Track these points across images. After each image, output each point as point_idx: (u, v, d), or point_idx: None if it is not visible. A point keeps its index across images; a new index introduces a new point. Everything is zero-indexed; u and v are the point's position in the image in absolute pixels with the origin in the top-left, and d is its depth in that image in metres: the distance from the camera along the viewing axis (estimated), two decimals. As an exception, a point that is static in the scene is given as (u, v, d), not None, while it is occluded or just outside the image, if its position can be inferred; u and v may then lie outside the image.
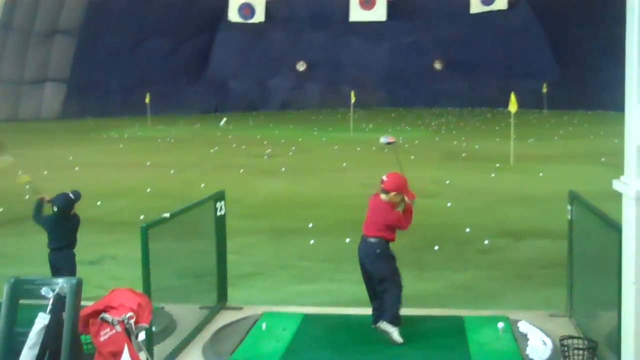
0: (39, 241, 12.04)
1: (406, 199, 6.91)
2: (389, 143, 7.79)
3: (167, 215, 6.37)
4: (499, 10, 44.45)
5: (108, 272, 10.50)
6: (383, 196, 6.90)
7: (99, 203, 15.60)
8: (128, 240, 12.49)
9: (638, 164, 4.74)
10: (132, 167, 21.81)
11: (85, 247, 11.73)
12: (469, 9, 45.29)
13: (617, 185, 4.99)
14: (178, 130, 34.25)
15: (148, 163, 22.38)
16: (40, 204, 7.81)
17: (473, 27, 44.97)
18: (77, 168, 21.42)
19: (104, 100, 42.53)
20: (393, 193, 6.86)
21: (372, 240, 6.86)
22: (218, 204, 7.58)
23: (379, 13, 46.34)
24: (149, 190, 17.45)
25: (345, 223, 13.33)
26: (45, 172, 20.50)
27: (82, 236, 12.52)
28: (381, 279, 6.81)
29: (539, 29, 43.82)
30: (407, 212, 6.95)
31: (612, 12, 38.45)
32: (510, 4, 44.14)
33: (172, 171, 20.58)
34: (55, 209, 7.58)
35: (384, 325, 6.67)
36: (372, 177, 18.85)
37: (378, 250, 6.85)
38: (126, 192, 17.35)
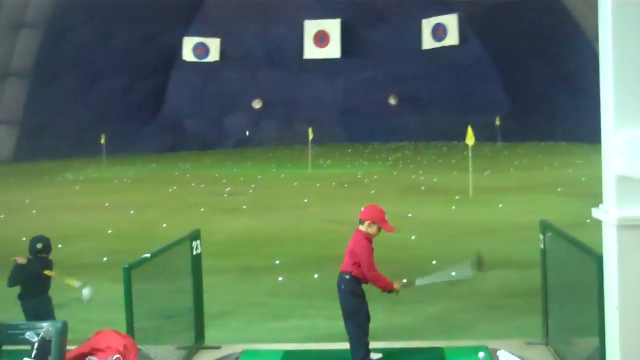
0: (1, 286, 11.88)
1: (383, 230, 6.96)
2: None
3: (147, 255, 6.32)
4: (450, 46, 45.27)
5: (76, 316, 10.28)
6: (360, 227, 6.96)
7: (60, 246, 15.28)
8: (93, 283, 12.29)
9: (617, 192, 4.86)
10: (90, 208, 21.52)
11: (50, 290, 11.59)
12: (421, 45, 46.05)
13: (596, 213, 5.12)
14: (135, 171, 33.98)
15: (107, 204, 22.13)
16: (16, 267, 7.73)
17: (426, 62, 45.74)
18: (34, 211, 21.07)
19: (57, 142, 41.94)
20: (367, 222, 6.91)
21: (342, 274, 6.91)
22: (194, 243, 7.54)
23: (333, 50, 46.85)
24: (110, 231, 17.25)
25: (311, 259, 13.36)
26: (2, 216, 20.18)
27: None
28: (344, 317, 6.87)
29: (489, 64, 44.77)
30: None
31: (562, 45, 39.81)
32: (461, 39, 44.98)
33: (131, 211, 20.38)
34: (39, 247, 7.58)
35: None
36: (333, 213, 19.04)
37: (343, 286, 6.89)
38: (87, 234, 17.10)
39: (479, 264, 7.00)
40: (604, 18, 5.03)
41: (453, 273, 7.26)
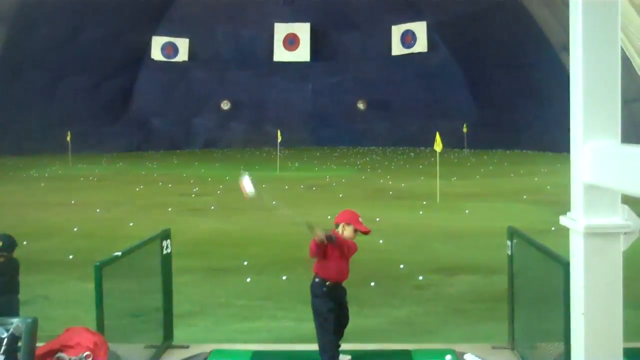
0: None
1: (359, 232, 7.04)
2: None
3: (118, 253, 6.31)
4: (419, 53, 45.62)
5: (41, 313, 10.17)
6: (335, 230, 7.02)
7: (24, 243, 15.13)
8: (59, 280, 12.22)
9: (584, 200, 4.96)
10: (56, 206, 21.31)
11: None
12: (390, 51, 46.33)
13: (564, 220, 5.21)
14: (101, 169, 33.70)
15: (72, 202, 21.94)
16: None
17: (394, 68, 46.04)
18: (-2, 207, 20.82)
19: (22, 139, 41.44)
20: (342, 224, 6.99)
21: (315, 278, 7.02)
22: (164, 242, 7.54)
23: (302, 53, 46.93)
24: (75, 229, 17.10)
25: (279, 261, 13.39)
26: (-35, 212, 19.90)
27: (11, 277, 12.23)
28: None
29: (457, 71, 45.21)
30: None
31: (529, 55, 40.32)
32: (430, 47, 45.35)
33: (98, 210, 20.22)
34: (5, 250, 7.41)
35: None
36: (301, 215, 18.94)
37: (311, 285, 6.98)
38: (52, 232, 16.93)
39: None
40: (574, 28, 5.13)
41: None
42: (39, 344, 5.01)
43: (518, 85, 41.04)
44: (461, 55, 44.44)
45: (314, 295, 6.97)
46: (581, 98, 5.00)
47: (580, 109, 5.00)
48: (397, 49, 46.43)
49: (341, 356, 6.99)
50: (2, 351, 4.81)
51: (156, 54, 47.22)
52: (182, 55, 47.47)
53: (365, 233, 7.08)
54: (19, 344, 4.86)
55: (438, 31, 45.16)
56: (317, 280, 6.95)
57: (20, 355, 4.83)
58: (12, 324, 4.87)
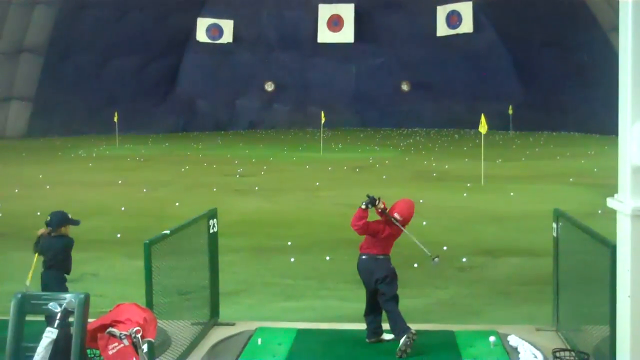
0: (19, 258, 12.04)
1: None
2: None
3: (167, 232, 6.43)
4: (464, 34, 45.07)
5: (90, 290, 10.29)
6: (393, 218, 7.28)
7: (74, 221, 15.49)
8: (107, 258, 12.49)
9: (632, 182, 4.93)
10: (103, 185, 21.69)
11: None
12: (435, 31, 45.86)
13: (611, 203, 5.19)
14: (147, 149, 34.14)
15: (119, 181, 22.29)
16: (39, 238, 7.66)
17: (439, 49, 45.57)
18: (47, 187, 21.25)
19: (70, 119, 42.11)
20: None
21: (386, 257, 7.34)
22: (211, 222, 7.66)
23: (346, 35, 46.69)
24: (123, 208, 17.40)
25: (323, 242, 13.48)
26: (17, 190, 20.35)
27: (61, 254, 12.51)
28: (389, 298, 7.08)
29: (504, 52, 44.59)
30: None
31: (576, 36, 39.59)
32: (475, 27, 44.79)
33: (144, 190, 20.53)
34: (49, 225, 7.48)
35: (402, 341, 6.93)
36: (345, 196, 19.12)
37: (392, 266, 7.35)
38: (100, 211, 17.24)
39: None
40: (624, 11, 5.08)
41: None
42: (90, 320, 5.15)
43: (565, 67, 40.35)
44: (507, 36, 43.81)
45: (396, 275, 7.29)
46: (630, 79, 4.96)
47: (629, 90, 4.96)
48: (442, 30, 45.91)
49: (385, 335, 7.07)
50: (55, 325, 4.96)
51: (201, 36, 47.42)
52: (227, 37, 47.58)
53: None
54: (71, 318, 5.01)
55: (484, 11, 44.54)
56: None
57: (73, 329, 4.97)
58: (65, 299, 5.02)
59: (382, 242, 7.18)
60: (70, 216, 7.58)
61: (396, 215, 7.19)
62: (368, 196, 7.25)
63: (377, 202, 7.23)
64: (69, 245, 7.51)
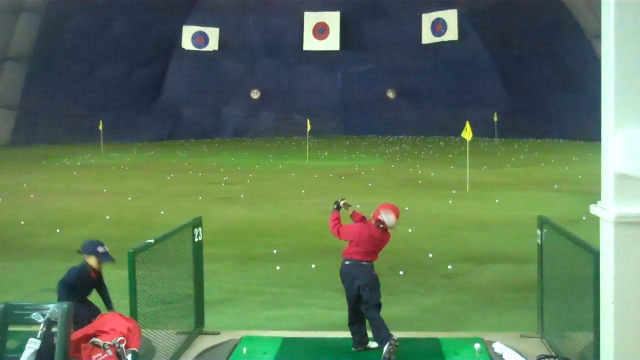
0: (33, 266, 12.00)
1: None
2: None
3: (151, 240, 6.40)
4: (450, 41, 45.27)
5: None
6: (373, 222, 7.25)
7: (57, 230, 15.41)
8: (92, 268, 12.40)
9: (615, 189, 4.96)
10: (88, 194, 21.57)
11: (48, 274, 11.66)
12: (420, 39, 46.05)
13: (595, 210, 5.22)
14: (132, 158, 34.02)
15: (104, 190, 22.19)
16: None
17: (425, 57, 45.76)
18: (32, 195, 21.11)
19: (54, 128, 41.94)
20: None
21: (369, 264, 7.26)
22: (195, 230, 7.63)
23: (332, 42, 46.79)
24: (107, 217, 17.31)
25: (309, 249, 13.46)
26: (0, 199, 20.22)
27: (44, 264, 12.50)
28: (372, 305, 7.06)
29: (488, 60, 44.83)
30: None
31: (560, 44, 39.79)
32: (461, 35, 44.99)
33: (129, 198, 20.44)
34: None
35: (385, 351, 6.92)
36: (331, 204, 18.95)
37: (374, 273, 7.23)
38: (85, 220, 17.15)
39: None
40: (606, 18, 5.12)
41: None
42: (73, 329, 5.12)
43: (550, 74, 40.61)
44: (492, 43, 44.05)
45: (379, 283, 7.30)
46: (613, 86, 4.99)
47: (612, 97, 5.00)
48: (427, 38, 46.11)
49: (370, 343, 7.06)
50: (38, 335, 4.92)
51: (187, 44, 47.39)
52: (213, 45, 47.58)
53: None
54: (55, 329, 4.97)
55: (469, 19, 44.77)
56: (373, 267, 7.29)
57: (56, 339, 4.94)
58: (48, 309, 4.99)
59: (365, 247, 7.16)
60: (100, 249, 7.11)
61: (380, 218, 7.21)
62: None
63: (339, 200, 7.59)
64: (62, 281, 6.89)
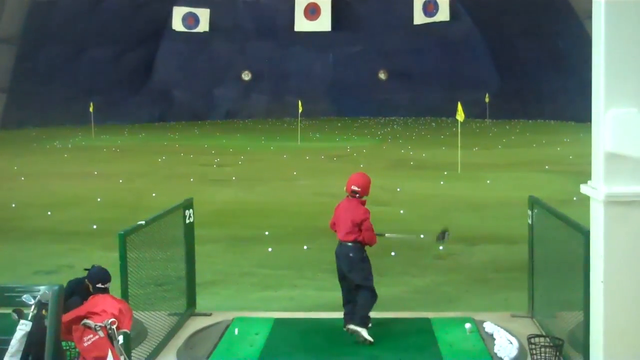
0: (24, 249, 11.97)
1: None
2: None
3: (142, 222, 6.39)
4: (441, 22, 45.14)
5: (66, 282, 10.37)
6: (355, 196, 7.14)
7: (49, 213, 15.38)
8: (83, 250, 12.39)
9: (605, 169, 4.98)
10: (79, 176, 21.51)
11: (40, 257, 11.69)
12: (412, 20, 45.89)
13: (585, 189, 5.23)
14: (123, 140, 33.91)
15: (95, 172, 22.13)
16: None
17: (416, 38, 45.62)
18: (22, 178, 21.04)
19: (45, 110, 41.67)
20: (363, 195, 7.15)
21: (346, 243, 7.03)
22: (187, 212, 7.62)
23: (324, 23, 46.59)
24: (99, 199, 17.28)
25: (301, 231, 13.48)
26: (-10, 183, 20.17)
27: (36, 247, 12.49)
28: (355, 284, 7.00)
29: (480, 40, 44.74)
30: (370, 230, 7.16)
31: (553, 24, 39.69)
32: (452, 15, 44.85)
33: (120, 180, 20.39)
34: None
35: (353, 327, 6.86)
36: (323, 185, 19.08)
37: (352, 254, 7.01)
38: (76, 202, 17.13)
39: (442, 237, 7.30)
40: (597, -2, 5.11)
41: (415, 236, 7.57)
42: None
43: (541, 55, 40.55)
44: (484, 24, 43.94)
45: (364, 260, 7.18)
46: (603, 66, 5.00)
47: (602, 77, 5.00)
48: (419, 18, 45.94)
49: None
50: (30, 317, 4.90)
51: (177, 25, 47.11)
52: (203, 26, 47.30)
53: None
54: (46, 311, 4.96)
55: (460, 0, 44.69)
56: (359, 245, 7.13)
57: (47, 321, 4.92)
58: (39, 291, 4.96)
59: (345, 226, 7.13)
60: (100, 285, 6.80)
61: (354, 187, 7.18)
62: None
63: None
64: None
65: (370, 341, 6.83)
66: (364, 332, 6.86)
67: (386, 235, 7.49)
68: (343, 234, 7.08)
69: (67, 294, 6.62)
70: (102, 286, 6.47)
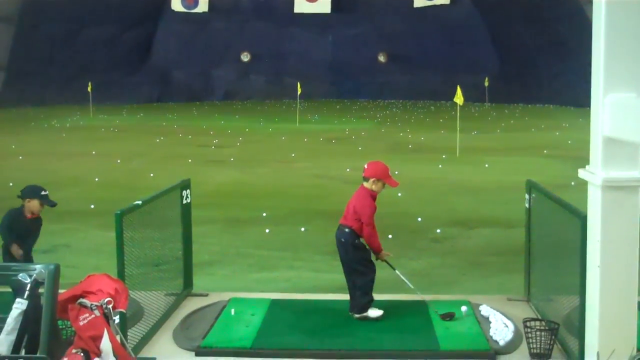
0: None
1: (388, 185, 7.08)
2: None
3: (139, 202, 6.38)
4: (441, 5, 45.00)
5: (63, 261, 10.24)
6: (365, 184, 7.06)
7: (46, 192, 15.33)
8: (80, 229, 12.40)
9: (603, 153, 4.97)
10: (77, 156, 21.50)
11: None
12: (412, 2, 45.73)
13: (582, 174, 5.22)
14: (121, 120, 33.87)
15: (93, 152, 22.11)
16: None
17: (416, 20, 45.49)
18: (20, 157, 21.02)
19: (43, 89, 41.61)
20: (372, 179, 6.99)
21: (342, 227, 7.01)
22: (184, 192, 7.61)
23: (323, 5, 46.44)
24: (96, 179, 17.29)
25: (298, 213, 13.49)
26: (-12, 161, 20.14)
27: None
28: (350, 269, 6.99)
29: (480, 24, 44.59)
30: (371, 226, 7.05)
31: (553, 9, 39.56)
32: (453, -2, 44.75)
33: (118, 160, 20.38)
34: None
35: (357, 316, 6.90)
36: (321, 167, 19.06)
37: (343, 239, 6.99)
38: (74, 182, 17.12)
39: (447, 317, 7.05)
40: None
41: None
42: (60, 290, 5.10)
43: (541, 39, 40.44)
44: (484, 7, 43.79)
45: (355, 246, 7.05)
46: (603, 50, 4.97)
47: (602, 61, 4.98)
48: (419, 1, 45.80)
49: (372, 311, 7.05)
50: (25, 296, 4.90)
51: (176, 5, 46.94)
52: (202, 6, 47.15)
53: (394, 186, 7.21)
54: (42, 289, 4.96)
55: (461, -18, 44.57)
56: (352, 232, 7.00)
57: (43, 300, 4.92)
58: (34, 270, 4.96)
59: (347, 210, 7.10)
60: (43, 192, 7.27)
61: (365, 172, 7.11)
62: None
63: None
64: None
65: (379, 315, 6.92)
66: (369, 314, 6.92)
67: (396, 271, 7.35)
68: (344, 217, 7.07)
69: (6, 225, 7.18)
70: (45, 193, 6.78)
